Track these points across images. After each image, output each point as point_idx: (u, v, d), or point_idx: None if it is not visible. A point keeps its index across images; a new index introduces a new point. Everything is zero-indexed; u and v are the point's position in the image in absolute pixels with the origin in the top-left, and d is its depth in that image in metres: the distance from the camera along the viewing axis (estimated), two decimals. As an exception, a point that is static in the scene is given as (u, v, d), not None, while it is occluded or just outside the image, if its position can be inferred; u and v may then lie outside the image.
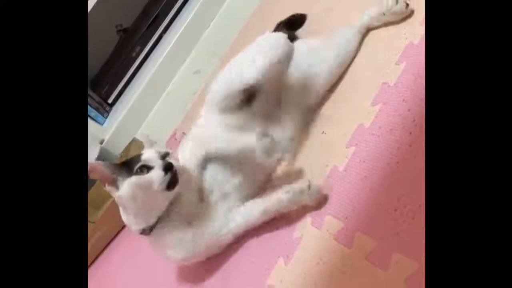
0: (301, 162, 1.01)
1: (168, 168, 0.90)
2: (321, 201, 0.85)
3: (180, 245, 0.95)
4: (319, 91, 1.06)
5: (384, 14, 1.02)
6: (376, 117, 0.90)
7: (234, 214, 0.95)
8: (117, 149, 1.84)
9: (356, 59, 1.07)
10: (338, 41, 1.07)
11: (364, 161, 0.86)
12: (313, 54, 1.07)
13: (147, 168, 0.90)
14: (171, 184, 0.90)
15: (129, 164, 0.92)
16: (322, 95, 1.07)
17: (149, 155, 0.93)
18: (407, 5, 0.98)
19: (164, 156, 0.94)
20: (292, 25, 1.30)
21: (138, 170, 0.90)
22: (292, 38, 1.14)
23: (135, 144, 1.78)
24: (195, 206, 0.96)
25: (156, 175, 0.89)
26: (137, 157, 0.93)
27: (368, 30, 1.08)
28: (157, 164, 0.91)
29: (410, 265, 0.67)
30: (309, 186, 0.85)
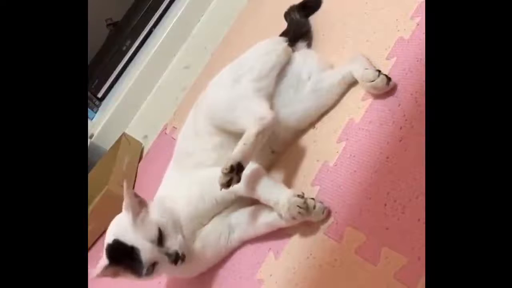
0: (292, 157, 1.00)
1: (177, 259, 0.87)
2: (325, 219, 0.83)
3: (193, 269, 0.97)
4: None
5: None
6: (366, 112, 0.90)
7: (238, 220, 0.94)
8: (107, 144, 1.83)
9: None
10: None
11: (354, 156, 0.86)
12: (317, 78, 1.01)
13: (152, 266, 0.87)
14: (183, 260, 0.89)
15: (129, 262, 0.87)
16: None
17: (146, 251, 0.86)
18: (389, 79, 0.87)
19: (160, 240, 0.88)
20: (305, 8, 1.23)
21: (147, 272, 0.87)
22: (295, 39, 1.12)
23: (125, 139, 1.77)
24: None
25: (168, 270, 0.92)
26: (131, 253, 0.86)
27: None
28: (162, 259, 0.87)
29: (399, 259, 0.67)
30: (314, 206, 0.82)
